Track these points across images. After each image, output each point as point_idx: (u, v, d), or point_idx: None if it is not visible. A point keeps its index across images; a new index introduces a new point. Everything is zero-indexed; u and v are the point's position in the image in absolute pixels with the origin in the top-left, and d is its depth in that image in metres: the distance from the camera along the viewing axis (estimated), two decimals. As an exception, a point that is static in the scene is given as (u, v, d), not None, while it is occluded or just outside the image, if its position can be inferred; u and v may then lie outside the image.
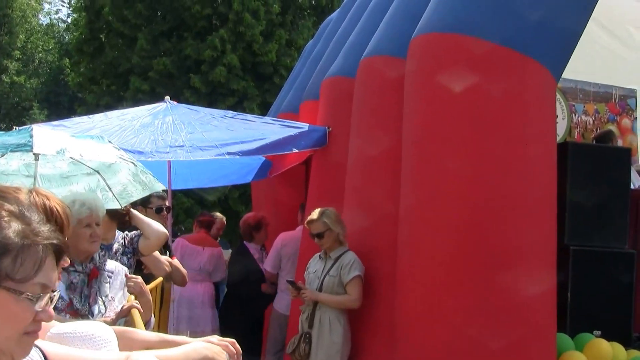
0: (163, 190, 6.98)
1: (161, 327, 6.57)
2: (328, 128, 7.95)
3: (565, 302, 6.40)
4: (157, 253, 6.29)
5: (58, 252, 1.91)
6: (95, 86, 21.96)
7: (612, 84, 11.03)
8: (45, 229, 1.89)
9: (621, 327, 6.72)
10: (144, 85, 19.99)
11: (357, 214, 6.88)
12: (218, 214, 11.23)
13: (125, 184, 5.70)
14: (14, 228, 1.83)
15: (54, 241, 1.90)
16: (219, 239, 10.87)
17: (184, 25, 20.94)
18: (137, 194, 5.77)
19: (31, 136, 5.02)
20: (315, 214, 6.61)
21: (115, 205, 5.51)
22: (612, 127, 10.64)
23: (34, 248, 1.84)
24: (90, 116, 8.20)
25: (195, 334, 8.36)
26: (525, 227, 5.54)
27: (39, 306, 1.85)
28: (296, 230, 8.64)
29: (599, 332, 6.51)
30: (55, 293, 1.91)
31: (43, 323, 1.90)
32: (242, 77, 20.18)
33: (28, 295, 1.83)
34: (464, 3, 5.81)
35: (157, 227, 5.77)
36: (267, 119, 9.33)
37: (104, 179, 5.69)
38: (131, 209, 5.82)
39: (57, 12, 55.54)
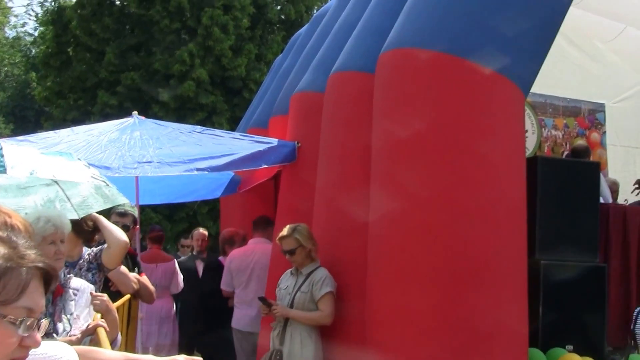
0: (131, 206, 6.91)
1: (128, 345, 6.50)
2: (297, 143, 7.96)
3: (537, 317, 6.42)
4: (125, 270, 6.23)
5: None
6: (62, 100, 21.73)
7: (581, 98, 11.21)
8: (31, 252, 1.88)
9: (594, 341, 6.81)
10: (112, 100, 19.83)
11: (327, 228, 6.88)
12: (200, 228, 11.11)
13: (86, 196, 5.61)
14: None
15: (40, 264, 1.88)
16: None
17: (152, 40, 20.81)
18: (98, 206, 5.68)
19: (2, 155, 4.90)
20: (286, 231, 6.57)
21: (73, 216, 5.40)
22: (582, 141, 10.77)
23: (17, 271, 1.83)
24: (57, 131, 8.10)
25: (157, 347, 8.42)
26: (495, 242, 5.55)
27: (23, 330, 1.82)
28: (247, 244, 8.76)
29: (571, 347, 6.55)
30: (43, 319, 1.89)
31: None
32: (211, 92, 20.10)
33: (11, 318, 1.80)
34: (434, 19, 5.83)
35: (118, 234, 5.71)
36: (236, 134, 9.31)
37: (63, 190, 5.60)
38: (95, 214, 5.73)
39: (23, 25, 54.95)
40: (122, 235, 5.76)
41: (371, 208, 6.04)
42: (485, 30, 5.64)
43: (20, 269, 1.83)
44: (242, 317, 8.33)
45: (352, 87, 6.86)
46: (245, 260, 8.46)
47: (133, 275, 6.43)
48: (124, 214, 6.90)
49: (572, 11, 6.41)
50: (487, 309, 5.45)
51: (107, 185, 5.52)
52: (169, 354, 9.06)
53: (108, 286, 6.10)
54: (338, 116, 7.05)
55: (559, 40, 6.91)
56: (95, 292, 4.82)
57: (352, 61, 6.95)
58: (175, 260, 9.72)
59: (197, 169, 7.35)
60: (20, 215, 2.58)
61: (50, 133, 8.04)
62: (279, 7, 23.46)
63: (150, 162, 7.17)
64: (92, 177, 5.36)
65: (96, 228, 5.81)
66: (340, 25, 8.14)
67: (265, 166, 7.99)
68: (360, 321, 6.05)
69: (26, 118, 34.45)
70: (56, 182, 5.58)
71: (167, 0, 20.16)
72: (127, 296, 6.24)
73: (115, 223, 6.71)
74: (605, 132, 11.42)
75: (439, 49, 5.63)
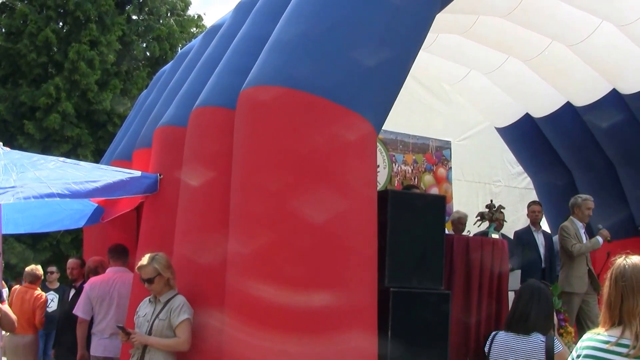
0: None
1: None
2: (159, 175, 7.98)
3: (386, 340, 6.64)
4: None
5: None
6: None
7: (429, 136, 11.83)
8: None
9: (438, 360, 7.09)
10: (-22, 131, 19.49)
11: (187, 257, 6.95)
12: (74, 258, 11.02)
13: None
14: None
15: None
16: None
17: (19, 72, 20.62)
18: None
19: None
20: (145, 260, 6.58)
21: None
22: (429, 176, 11.38)
23: None
24: None
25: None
26: (346, 270, 5.79)
27: None
28: (106, 273, 8.72)
29: (417, 368, 6.85)
30: None
31: None
32: (76, 125, 20.00)
33: None
34: (292, 58, 6.07)
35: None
36: (100, 165, 9.27)
37: None
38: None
39: None
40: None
41: (230, 238, 6.18)
42: (342, 70, 5.92)
43: None
44: (101, 343, 8.23)
45: (213, 122, 6.99)
46: (106, 288, 8.36)
47: (-6, 304, 6.38)
48: None
49: (421, 55, 6.76)
50: (339, 332, 5.67)
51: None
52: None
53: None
54: (200, 149, 7.16)
55: (409, 81, 7.25)
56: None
57: (214, 97, 7.10)
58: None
59: (59, 195, 7.23)
60: None
61: None
62: (144, 45, 23.64)
63: (13, 187, 7.04)
64: None
65: None
66: (203, 63, 8.32)
67: (127, 196, 7.99)
68: (216, 347, 6.16)
69: None
70: None
71: (34, 35, 20.05)
72: (-12, 324, 6.21)
73: None
74: (451, 167, 12.09)
75: (296, 86, 5.87)
